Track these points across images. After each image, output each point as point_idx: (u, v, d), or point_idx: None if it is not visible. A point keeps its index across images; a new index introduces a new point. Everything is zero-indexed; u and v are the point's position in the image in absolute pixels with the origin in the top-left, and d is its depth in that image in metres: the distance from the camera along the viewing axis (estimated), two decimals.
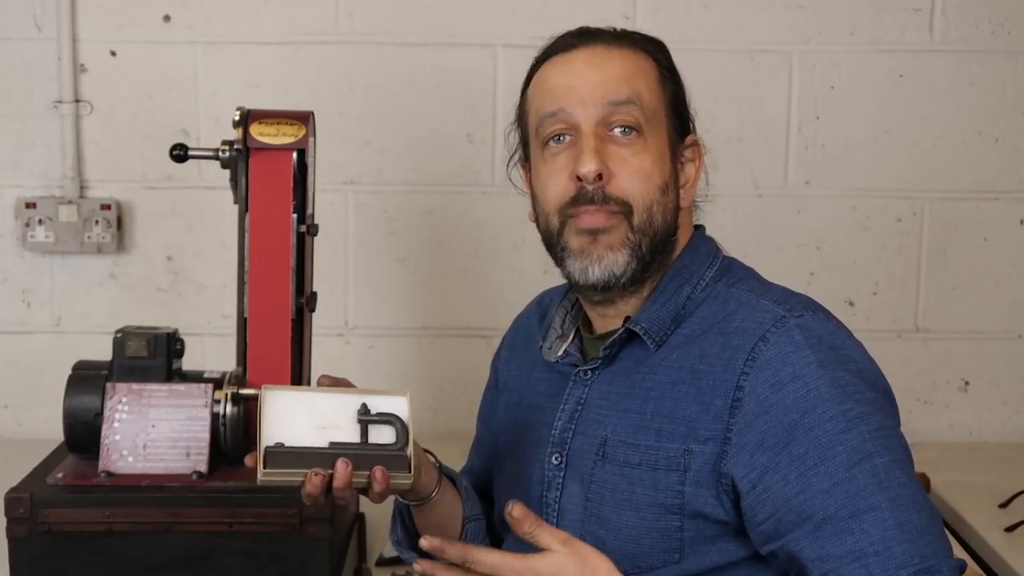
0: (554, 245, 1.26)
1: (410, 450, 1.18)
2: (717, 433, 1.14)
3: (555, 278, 1.33)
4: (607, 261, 1.21)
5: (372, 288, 2.24)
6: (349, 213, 2.22)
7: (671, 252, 1.26)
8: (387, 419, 1.19)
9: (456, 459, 1.64)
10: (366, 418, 1.19)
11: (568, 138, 1.23)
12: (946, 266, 2.26)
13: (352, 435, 1.18)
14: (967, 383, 2.30)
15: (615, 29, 1.28)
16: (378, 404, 1.20)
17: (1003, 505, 1.90)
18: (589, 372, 1.27)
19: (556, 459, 1.27)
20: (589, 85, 1.22)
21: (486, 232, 2.23)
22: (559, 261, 1.26)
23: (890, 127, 2.23)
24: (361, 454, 1.16)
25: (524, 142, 1.32)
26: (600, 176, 1.20)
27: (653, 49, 1.28)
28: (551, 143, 1.24)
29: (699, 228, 1.33)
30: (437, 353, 2.27)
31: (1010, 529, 1.81)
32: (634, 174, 1.21)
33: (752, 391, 1.13)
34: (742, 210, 2.22)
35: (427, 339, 2.26)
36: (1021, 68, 2.22)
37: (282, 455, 1.15)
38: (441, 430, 2.18)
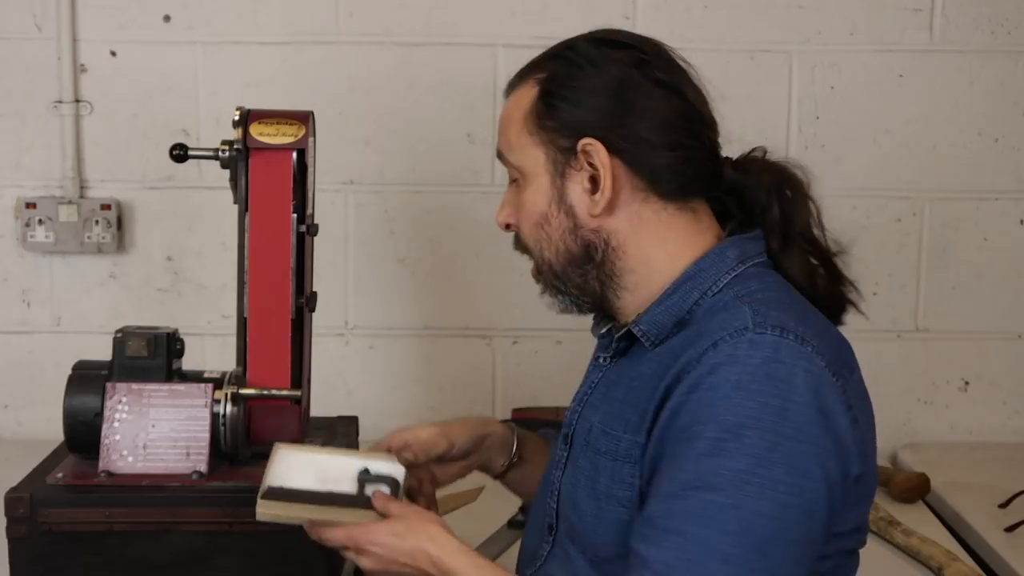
0: None
1: None
2: (658, 430, 1.15)
3: None
4: (547, 302, 1.30)
5: (372, 288, 2.24)
6: (349, 213, 2.22)
7: (613, 262, 1.23)
8: (384, 479, 1.31)
9: None
10: (365, 477, 1.31)
11: None
12: (946, 266, 2.26)
13: (350, 490, 1.31)
14: (967, 383, 2.29)
15: (545, 52, 1.28)
16: (378, 468, 1.32)
17: (1003, 505, 1.90)
18: (607, 359, 1.29)
19: (564, 441, 1.29)
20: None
21: (486, 232, 2.21)
22: None
23: (890, 127, 2.23)
24: (351, 497, 1.29)
25: None
26: (509, 225, 1.30)
27: (550, 65, 1.25)
28: None
29: (749, 232, 1.25)
30: (437, 353, 2.27)
31: (1010, 529, 1.81)
32: (520, 220, 1.27)
33: (679, 389, 1.12)
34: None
35: (427, 339, 2.26)
36: (1021, 68, 2.22)
37: (280, 492, 1.29)
38: None
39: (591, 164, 1.21)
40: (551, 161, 1.23)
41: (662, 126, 1.21)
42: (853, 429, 1.12)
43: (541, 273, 1.28)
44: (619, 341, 1.26)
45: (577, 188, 1.22)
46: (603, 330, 1.31)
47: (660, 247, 1.23)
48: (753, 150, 1.30)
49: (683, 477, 1.08)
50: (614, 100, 1.21)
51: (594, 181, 1.21)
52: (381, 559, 1.23)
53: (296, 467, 1.31)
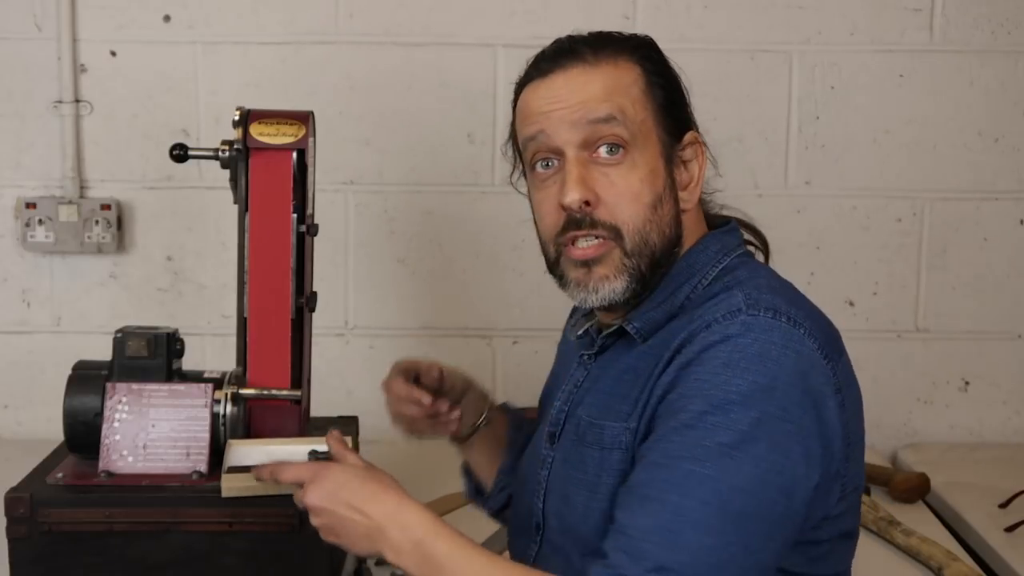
0: (553, 272, 1.26)
1: None
2: (649, 410, 1.15)
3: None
4: (604, 290, 1.21)
5: (372, 288, 2.24)
6: (349, 213, 2.22)
7: (675, 260, 1.24)
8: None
9: (454, 460, 1.64)
10: (316, 455, 1.35)
11: (556, 162, 1.21)
12: (946, 266, 2.26)
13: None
14: (967, 383, 2.29)
15: (598, 35, 1.25)
16: (326, 449, 1.34)
17: (1003, 505, 1.90)
18: (592, 357, 1.29)
19: (550, 439, 1.29)
20: (568, 107, 1.19)
21: (486, 232, 2.23)
22: (560, 287, 1.26)
23: (890, 127, 2.23)
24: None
25: (521, 159, 1.31)
26: (588, 203, 1.19)
27: (640, 52, 1.24)
28: (539, 168, 1.23)
29: (727, 222, 1.30)
30: (437, 353, 2.26)
31: (1010, 529, 1.81)
32: (621, 196, 1.19)
33: (670, 369, 1.14)
34: (742, 210, 2.21)
35: (427, 339, 2.26)
36: (1021, 68, 2.22)
37: (239, 469, 1.42)
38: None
39: (693, 158, 1.25)
40: (662, 144, 1.22)
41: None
42: (840, 412, 1.13)
43: (631, 256, 1.20)
44: (606, 338, 1.26)
45: (679, 176, 1.24)
46: (580, 331, 1.32)
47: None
48: None
49: (666, 447, 1.09)
50: (688, 103, 1.27)
51: (687, 174, 1.25)
52: (327, 490, 1.17)
53: (250, 455, 1.44)
